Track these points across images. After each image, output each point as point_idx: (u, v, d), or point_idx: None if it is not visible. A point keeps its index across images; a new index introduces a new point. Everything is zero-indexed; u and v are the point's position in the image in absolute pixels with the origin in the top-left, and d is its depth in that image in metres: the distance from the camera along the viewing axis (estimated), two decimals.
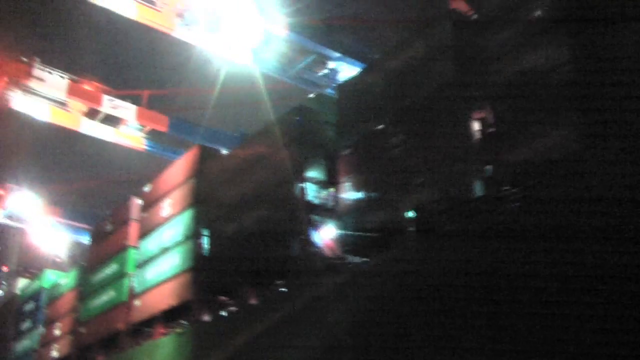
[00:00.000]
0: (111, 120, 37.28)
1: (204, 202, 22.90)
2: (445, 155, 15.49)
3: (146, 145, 38.32)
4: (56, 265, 48.76)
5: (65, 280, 36.64)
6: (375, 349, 15.71)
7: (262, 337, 18.99)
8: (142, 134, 37.90)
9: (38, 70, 35.24)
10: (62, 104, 36.87)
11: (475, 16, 16.62)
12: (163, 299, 23.92)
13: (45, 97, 36.33)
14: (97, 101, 36.05)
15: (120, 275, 28.00)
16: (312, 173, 18.89)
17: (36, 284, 41.91)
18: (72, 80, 35.72)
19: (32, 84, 35.32)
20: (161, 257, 24.70)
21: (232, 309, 20.94)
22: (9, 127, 41.06)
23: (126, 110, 36.41)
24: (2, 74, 35.35)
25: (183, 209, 23.92)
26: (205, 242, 22.45)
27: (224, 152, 26.04)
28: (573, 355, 12.42)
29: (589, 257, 12.50)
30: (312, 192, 18.70)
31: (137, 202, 28.38)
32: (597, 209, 12.62)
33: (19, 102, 36.10)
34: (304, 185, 18.64)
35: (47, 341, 35.98)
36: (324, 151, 19.11)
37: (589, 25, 13.96)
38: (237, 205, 21.04)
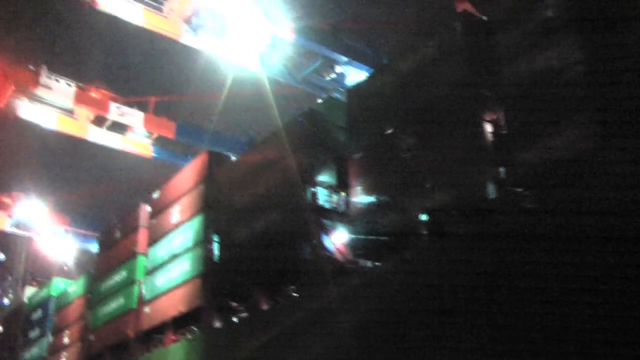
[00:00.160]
0: (118, 127, 37.31)
1: (214, 208, 22.83)
2: (458, 157, 15.39)
3: (153, 151, 38.31)
4: (63, 273, 48.66)
5: (73, 287, 36.55)
6: (388, 353, 15.60)
7: (274, 342, 18.89)
8: (149, 141, 37.90)
9: (45, 78, 35.25)
10: (69, 111, 36.89)
11: (485, 17, 16.55)
12: (173, 305, 23.83)
13: (53, 104, 36.34)
14: (104, 108, 36.11)
15: (129, 282, 27.91)
16: (323, 177, 18.83)
17: (44, 292, 41.83)
18: (79, 87, 35.77)
19: (40, 92, 35.32)
20: (171, 263, 24.62)
21: (243, 314, 20.83)
22: (16, 136, 41.11)
23: (133, 117, 36.46)
24: (9, 83, 35.34)
25: (193, 215, 23.84)
26: (216, 248, 22.37)
27: (233, 157, 25.99)
28: (591, 355, 12.33)
29: (604, 259, 12.41)
30: (323, 196, 18.63)
31: (146, 208, 28.31)
32: (611, 210, 12.53)
33: (26, 110, 36.10)
34: (314, 189, 18.56)
35: (56, 349, 35.88)
36: (334, 155, 19.04)
37: (601, 24, 13.91)
38: (247, 210, 20.96)
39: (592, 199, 12.86)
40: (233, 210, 21.81)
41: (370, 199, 17.38)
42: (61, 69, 36.38)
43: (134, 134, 37.51)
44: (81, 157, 50.23)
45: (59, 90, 35.60)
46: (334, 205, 18.63)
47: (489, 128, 14.96)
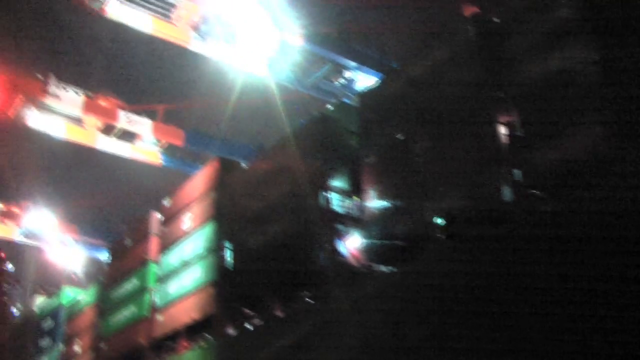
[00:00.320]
0: (127, 135, 37.33)
1: (226, 215, 22.76)
2: (473, 161, 15.31)
3: (162, 159, 38.32)
4: (73, 282, 48.72)
5: (84, 296, 36.55)
6: (404, 359, 15.50)
7: (288, 349, 18.79)
8: (158, 149, 37.91)
9: (54, 88, 35.30)
10: (77, 120, 36.93)
11: (497, 19, 16.48)
12: (186, 313, 23.76)
13: (61, 113, 36.38)
14: (113, 117, 36.16)
15: (141, 290, 27.85)
16: (336, 182, 18.74)
17: (54, 301, 41.84)
18: (87, 96, 35.82)
19: (48, 101, 35.37)
20: (183, 271, 24.56)
21: (258, 321, 20.72)
22: (25, 145, 41.19)
23: (142, 125, 36.50)
24: (17, 92, 35.39)
25: (204, 222, 23.78)
26: (228, 255, 22.28)
27: (243, 164, 25.92)
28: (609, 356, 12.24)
29: (623, 261, 12.30)
30: (336, 202, 18.55)
31: (157, 216, 28.28)
32: (630, 211, 12.42)
33: (35, 119, 36.15)
34: (328, 194, 18.48)
35: (67, 358, 35.87)
36: (346, 160, 18.95)
37: (616, 23, 13.84)
38: (260, 217, 20.88)
39: (610, 200, 12.75)
40: (245, 217, 21.74)
41: (384, 203, 17.30)
42: (69, 78, 36.45)
43: (142, 142, 37.51)
44: (90, 166, 50.31)
45: (67, 99, 35.66)
46: (348, 210, 18.54)
47: (503, 130, 14.86)
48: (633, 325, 11.99)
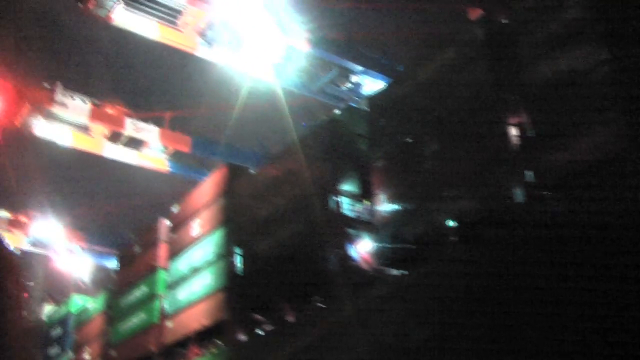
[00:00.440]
0: (134, 143, 37.31)
1: (235, 221, 22.74)
2: (484, 162, 15.26)
3: (169, 166, 38.30)
4: (81, 291, 48.71)
5: (92, 304, 36.56)
6: None
7: (300, 355, 18.74)
8: (165, 156, 37.91)
9: (60, 96, 35.29)
10: (84, 128, 36.92)
11: (506, 20, 16.46)
12: (196, 319, 23.74)
13: (68, 122, 36.37)
14: (120, 124, 36.11)
15: (150, 296, 27.85)
16: (346, 186, 18.72)
17: (63, 309, 41.88)
18: (94, 104, 35.80)
19: (55, 109, 35.36)
20: (192, 277, 24.54)
21: (269, 327, 20.68)
22: (32, 154, 41.20)
23: (149, 132, 36.47)
24: (24, 101, 35.40)
25: (213, 228, 23.78)
26: (238, 261, 22.25)
27: (250, 170, 25.90)
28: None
29: (636, 262, 12.24)
30: (346, 206, 18.51)
31: (166, 223, 28.29)
32: None
33: (42, 128, 36.13)
34: (338, 198, 18.45)
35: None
36: (356, 164, 18.93)
37: (625, 24, 13.80)
38: (270, 222, 20.86)
39: (621, 200, 12.70)
40: (255, 222, 21.72)
41: (395, 206, 17.26)
42: (76, 86, 36.46)
43: (149, 149, 37.50)
44: (97, 174, 50.30)
45: (74, 107, 35.60)
46: (358, 214, 18.50)
47: (515, 131, 14.81)
48: None
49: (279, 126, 29.20)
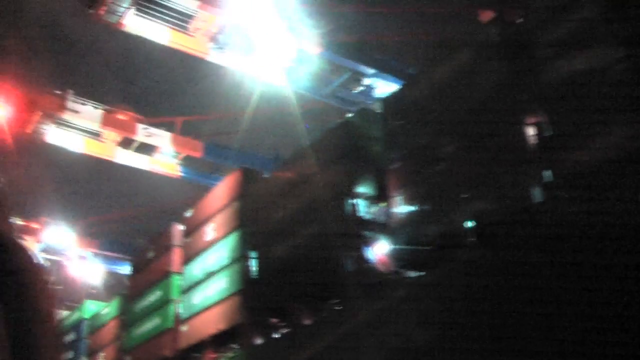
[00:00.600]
0: (145, 148, 37.40)
1: (250, 224, 22.73)
2: (502, 162, 15.20)
3: (181, 172, 38.36)
4: (93, 297, 48.81)
5: (106, 310, 36.62)
6: None
7: (318, 358, 18.69)
8: (177, 161, 37.97)
9: (72, 103, 35.40)
10: (96, 134, 37.03)
11: (521, 19, 16.42)
12: (211, 323, 23.72)
13: (79, 128, 36.48)
14: (132, 130, 36.20)
15: (164, 301, 27.87)
16: (362, 188, 18.68)
17: (76, 315, 41.95)
18: (106, 110, 35.89)
19: (66, 116, 35.46)
20: (207, 281, 24.53)
21: (285, 330, 20.65)
22: (44, 161, 41.36)
23: (160, 137, 36.55)
24: (36, 109, 35.51)
25: (228, 232, 23.76)
26: (253, 264, 22.24)
27: (265, 173, 25.91)
28: None
29: None
30: (362, 208, 18.47)
31: (179, 228, 28.32)
32: None
33: (53, 135, 36.26)
34: (354, 201, 18.42)
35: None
36: (372, 166, 18.90)
37: None
38: (285, 225, 20.83)
39: None
40: (270, 225, 21.70)
41: (411, 208, 17.21)
42: (87, 92, 36.57)
43: (161, 154, 37.58)
44: (108, 180, 50.51)
45: (85, 113, 35.70)
46: (374, 217, 18.46)
47: (532, 131, 14.75)
48: None
49: (290, 131, 29.24)
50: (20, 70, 35.87)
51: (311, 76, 29.74)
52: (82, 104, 35.84)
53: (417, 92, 18.36)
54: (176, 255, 27.86)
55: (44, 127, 35.89)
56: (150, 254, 30.47)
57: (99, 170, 45.33)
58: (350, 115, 21.19)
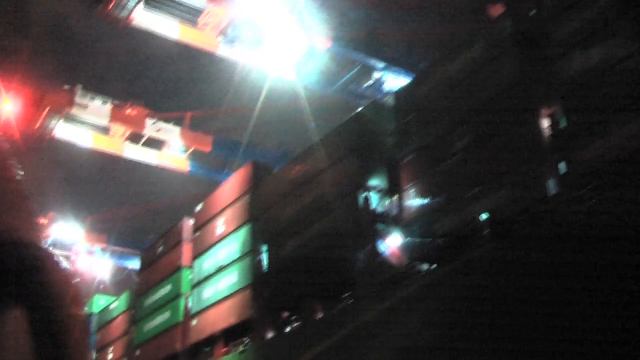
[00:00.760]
0: (154, 143, 37.39)
1: (261, 218, 22.69)
2: (517, 155, 15.12)
3: (190, 166, 38.33)
4: (102, 291, 48.92)
5: (115, 304, 36.65)
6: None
7: (329, 352, 18.63)
8: (186, 156, 37.95)
9: (80, 97, 35.35)
10: (104, 129, 37.01)
11: (534, 12, 16.34)
12: (222, 317, 23.71)
13: (88, 123, 36.46)
14: (141, 125, 36.15)
15: (175, 296, 27.88)
16: (374, 181, 18.64)
17: (85, 310, 41.98)
18: (114, 105, 35.85)
19: (75, 111, 35.42)
20: (218, 275, 24.52)
21: (297, 324, 20.62)
22: (52, 156, 41.38)
23: (169, 132, 36.51)
24: (44, 104, 35.49)
25: (239, 226, 23.73)
26: (264, 258, 22.21)
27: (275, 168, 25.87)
28: None
29: None
30: (375, 201, 18.43)
31: (189, 222, 28.30)
32: None
33: (62, 130, 36.22)
34: (366, 194, 18.38)
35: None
36: (384, 159, 18.85)
37: None
38: (297, 218, 20.77)
39: None
40: (281, 219, 21.66)
41: (424, 201, 17.16)
42: (96, 87, 36.58)
43: (169, 149, 37.56)
44: (117, 176, 50.55)
45: (94, 108, 35.67)
46: (387, 210, 18.42)
47: (547, 123, 14.69)
48: None
49: (299, 126, 29.21)
50: (28, 66, 35.84)
51: (321, 70, 29.68)
52: (91, 98, 35.78)
53: (429, 85, 18.26)
54: (186, 249, 27.83)
55: (53, 122, 35.82)
56: (160, 249, 30.46)
57: (108, 166, 45.38)
58: (362, 109, 21.08)
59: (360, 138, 19.31)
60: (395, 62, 29.20)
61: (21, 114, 34.83)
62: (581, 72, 14.39)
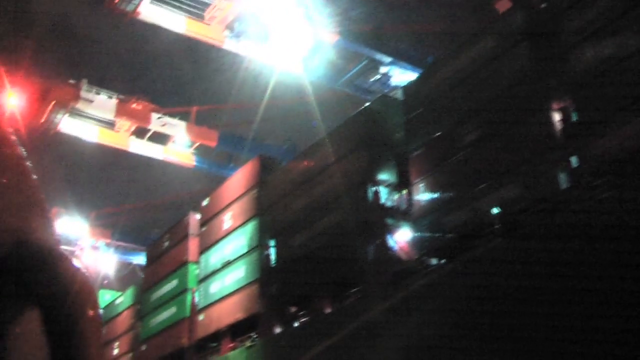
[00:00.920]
0: (160, 138, 37.35)
1: (269, 213, 22.60)
2: (527, 149, 15.02)
3: (195, 161, 38.29)
4: (107, 286, 48.96)
5: (121, 299, 36.62)
6: (460, 354, 15.16)
7: (338, 347, 18.54)
8: (191, 150, 37.91)
9: (86, 92, 35.30)
10: (110, 124, 36.98)
11: (544, 5, 16.22)
12: (229, 312, 23.63)
13: (94, 117, 36.44)
14: (146, 120, 36.12)
15: (181, 290, 27.82)
16: (383, 176, 18.54)
17: None
18: (120, 99, 35.81)
19: (80, 105, 35.38)
20: (225, 270, 24.44)
21: (305, 320, 20.53)
22: (57, 151, 41.35)
23: (175, 127, 36.47)
24: (50, 98, 35.44)
25: (246, 221, 23.65)
26: (272, 253, 22.12)
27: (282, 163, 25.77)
28: None
29: None
30: (384, 195, 18.33)
31: (196, 217, 28.23)
32: None
33: (67, 124, 36.20)
34: (375, 188, 18.28)
35: (106, 359, 35.94)
36: (393, 153, 18.75)
37: None
38: (305, 213, 20.68)
39: None
40: (289, 213, 21.56)
41: (433, 195, 17.06)
42: (101, 82, 36.49)
43: (175, 144, 37.52)
44: (122, 171, 50.53)
45: (99, 103, 35.64)
46: (396, 204, 18.32)
47: (558, 117, 14.57)
48: None
49: (305, 121, 29.14)
50: (34, 61, 35.77)
51: (327, 65, 29.58)
52: (96, 93, 35.74)
53: (438, 79, 18.14)
54: (193, 244, 27.76)
55: (58, 116, 35.78)
56: (166, 243, 30.40)
57: (112, 161, 45.32)
58: (371, 102, 20.97)
59: (369, 132, 19.20)
60: (402, 57, 29.08)
61: (26, 108, 34.74)
62: (593, 65, 14.27)
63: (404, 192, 18.19)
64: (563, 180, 14.20)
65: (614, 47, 13.97)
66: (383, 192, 18.31)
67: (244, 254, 23.40)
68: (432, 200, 17.03)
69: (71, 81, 35.71)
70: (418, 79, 19.71)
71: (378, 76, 29.73)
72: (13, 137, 1.50)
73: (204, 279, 25.88)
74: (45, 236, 1.44)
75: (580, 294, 12.91)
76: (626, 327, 12.25)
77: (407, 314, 16.69)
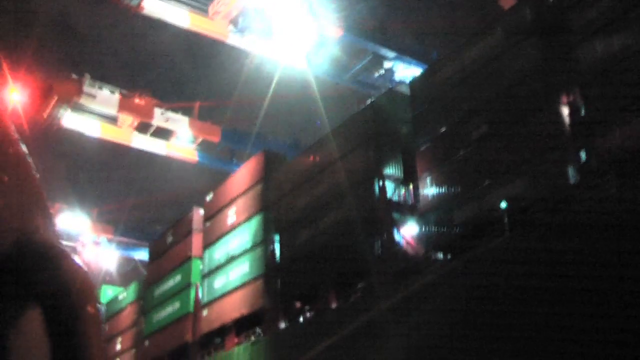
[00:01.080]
0: (162, 133, 37.20)
1: (274, 208, 22.53)
2: (536, 143, 14.94)
3: (198, 156, 38.15)
4: (109, 282, 48.89)
5: (123, 295, 36.56)
6: (467, 352, 15.08)
7: (343, 342, 18.47)
8: (194, 146, 37.76)
9: (88, 87, 35.15)
10: (112, 119, 36.84)
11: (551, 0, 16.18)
12: (234, 308, 23.56)
13: (96, 112, 36.29)
14: (149, 115, 35.94)
15: (185, 286, 27.74)
16: (390, 170, 18.47)
17: None
18: (122, 94, 35.65)
19: (83, 100, 35.23)
20: (229, 265, 24.37)
21: (310, 315, 20.47)
22: (59, 146, 41.27)
23: (178, 122, 36.31)
24: (52, 94, 35.31)
25: (251, 216, 23.57)
26: (277, 248, 22.05)
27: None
28: None
29: None
30: (391, 190, 18.27)
31: (199, 212, 28.15)
32: None
33: (70, 119, 36.05)
34: (382, 183, 18.21)
35: (108, 356, 35.84)
36: (399, 148, 18.70)
37: None
38: (311, 208, 20.62)
39: None
40: (295, 208, 21.50)
41: (440, 190, 16.99)
42: (104, 77, 36.38)
43: (178, 139, 37.37)
44: (123, 166, 50.50)
45: (102, 98, 35.46)
46: (403, 198, 18.26)
47: (567, 111, 14.51)
48: None
49: (309, 116, 29.04)
50: (36, 56, 35.71)
51: (331, 60, 29.44)
52: (99, 88, 35.58)
53: (446, 73, 18.06)
54: (196, 239, 27.70)
55: (61, 111, 35.64)
56: (170, 239, 30.33)
57: (114, 156, 45.27)
58: (377, 97, 20.90)
59: (376, 127, 19.15)
60: (406, 52, 28.94)
61: (29, 104, 34.64)
62: (602, 60, 14.21)
63: (411, 186, 18.14)
64: (571, 174, 14.15)
65: (623, 42, 13.94)
66: (390, 186, 18.25)
67: (248, 250, 23.33)
68: (439, 195, 16.97)
69: (74, 76, 35.51)
70: (425, 74, 19.64)
71: (382, 71, 29.55)
72: (15, 136, 1.46)
73: (208, 275, 25.82)
74: (46, 235, 1.42)
75: (590, 286, 12.89)
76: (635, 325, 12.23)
77: (414, 309, 16.63)
